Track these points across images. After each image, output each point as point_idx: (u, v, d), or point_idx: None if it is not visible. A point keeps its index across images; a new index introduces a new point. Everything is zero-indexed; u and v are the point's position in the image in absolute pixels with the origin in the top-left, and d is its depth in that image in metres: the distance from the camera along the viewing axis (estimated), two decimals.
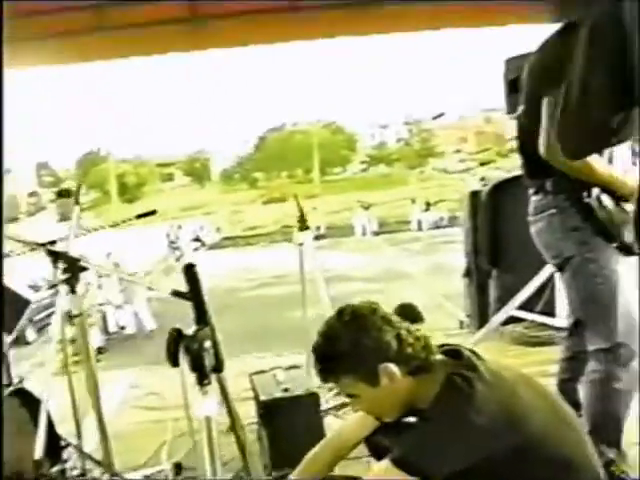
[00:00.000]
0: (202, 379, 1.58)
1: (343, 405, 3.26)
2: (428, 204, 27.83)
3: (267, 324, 9.70)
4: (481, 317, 5.58)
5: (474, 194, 5.86)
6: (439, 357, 1.85)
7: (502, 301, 5.08)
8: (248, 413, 3.06)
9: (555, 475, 1.76)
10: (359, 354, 1.77)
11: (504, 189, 5.35)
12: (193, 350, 1.56)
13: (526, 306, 4.43)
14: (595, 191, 2.43)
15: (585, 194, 2.43)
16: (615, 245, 2.47)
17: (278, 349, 5.48)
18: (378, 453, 2.06)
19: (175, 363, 1.61)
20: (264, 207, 35.54)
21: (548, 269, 4.37)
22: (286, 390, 2.90)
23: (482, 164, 43.77)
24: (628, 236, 2.46)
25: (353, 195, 26.40)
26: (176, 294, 1.91)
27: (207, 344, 1.57)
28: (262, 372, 3.15)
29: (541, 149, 2.38)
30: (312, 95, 61.48)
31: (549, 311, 4.49)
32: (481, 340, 4.36)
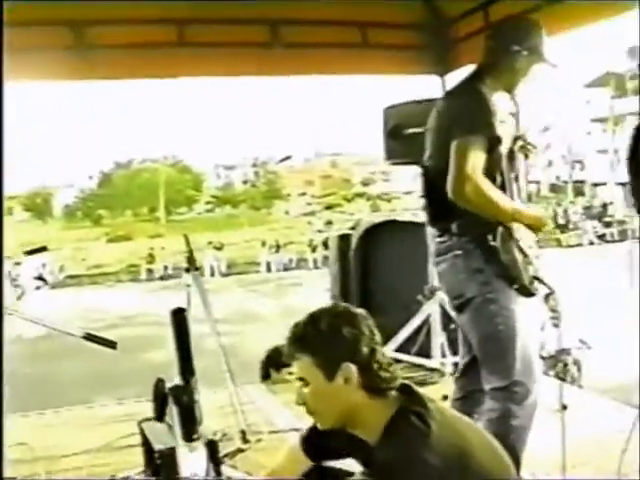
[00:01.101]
0: (191, 434, 1.42)
1: (237, 451, 3.13)
2: (278, 246, 28.02)
3: (121, 367, 9.27)
4: None
5: (342, 237, 5.96)
6: (393, 392, 1.80)
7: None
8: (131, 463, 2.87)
9: None
10: (331, 340, 1.73)
11: (374, 233, 5.46)
12: (184, 402, 1.40)
13: (402, 348, 4.49)
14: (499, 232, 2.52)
15: (490, 237, 2.51)
16: (515, 287, 2.56)
17: (133, 394, 5.18)
18: None
19: (161, 417, 1.44)
20: (109, 245, 34.41)
21: (425, 311, 4.49)
22: None
23: (327, 207, 44.93)
24: (526, 278, 2.57)
25: (200, 235, 26.06)
26: (89, 338, 1.74)
27: (197, 396, 1.43)
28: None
29: (449, 191, 2.46)
30: (159, 132, 60.52)
31: (424, 353, 4.57)
32: None
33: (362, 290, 5.54)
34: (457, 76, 4.49)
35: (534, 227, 2.64)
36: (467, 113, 2.53)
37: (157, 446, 2.35)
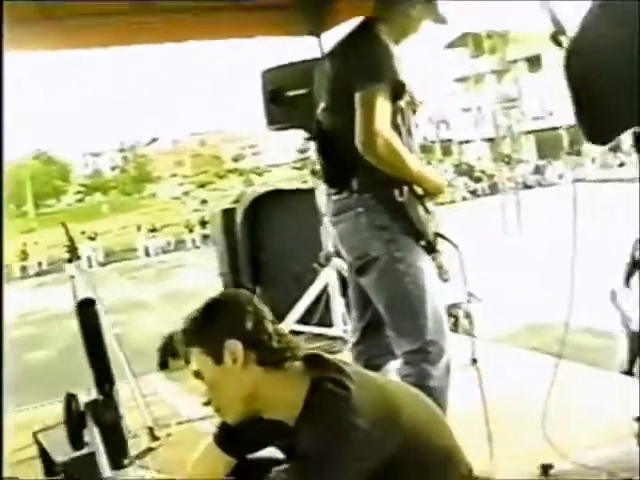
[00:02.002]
0: (121, 459, 1.18)
1: (147, 450, 2.93)
2: (154, 229, 27.47)
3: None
4: None
5: (226, 212, 5.79)
6: (298, 363, 1.71)
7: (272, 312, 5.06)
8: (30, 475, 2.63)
9: (437, 469, 1.69)
10: (212, 325, 1.71)
11: (261, 205, 5.35)
12: (107, 421, 1.16)
13: (303, 319, 4.40)
14: (406, 189, 2.43)
15: (397, 193, 2.42)
16: (422, 244, 2.48)
17: (30, 399, 4.83)
18: None
19: (79, 444, 1.19)
20: None
21: (322, 279, 4.40)
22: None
23: (200, 186, 44.56)
24: (431, 235, 2.51)
25: (72, 226, 25.05)
26: None
27: (121, 410, 1.19)
28: (48, 428, 2.72)
29: (359, 146, 2.35)
30: (20, 125, 57.69)
31: (326, 322, 4.50)
32: None
33: (252, 263, 5.41)
34: (333, 35, 4.40)
35: (430, 192, 2.55)
36: (368, 60, 2.41)
37: (58, 458, 2.13)
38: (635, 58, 1.57)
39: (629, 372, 4.72)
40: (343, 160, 2.47)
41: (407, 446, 1.62)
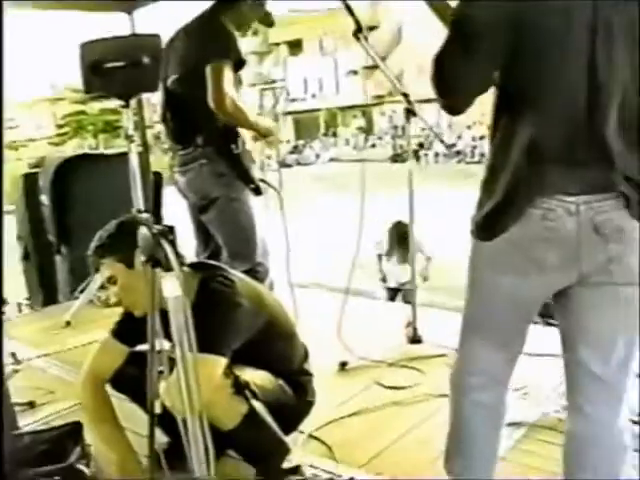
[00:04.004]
0: None
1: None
2: None
3: None
4: (47, 295, 5.78)
5: (27, 177, 5.95)
6: (186, 268, 2.25)
7: (75, 273, 5.38)
8: None
9: (288, 345, 2.41)
10: (125, 237, 2.09)
11: (67, 169, 5.57)
12: None
13: None
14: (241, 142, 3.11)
15: (233, 146, 3.08)
16: (251, 187, 3.18)
17: None
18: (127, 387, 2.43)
19: None
20: None
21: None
22: None
23: None
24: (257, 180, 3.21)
25: None
26: None
27: None
28: None
29: (211, 105, 2.97)
30: None
31: None
32: (82, 308, 4.63)
33: (60, 227, 5.62)
34: (143, 13, 4.88)
35: (265, 134, 3.24)
36: (218, 41, 3.05)
37: None
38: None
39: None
40: (190, 121, 3.09)
41: (272, 318, 2.34)
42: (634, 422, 2.29)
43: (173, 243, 1.62)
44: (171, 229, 1.64)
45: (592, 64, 1.58)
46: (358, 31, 2.91)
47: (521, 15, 1.57)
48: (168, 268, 1.62)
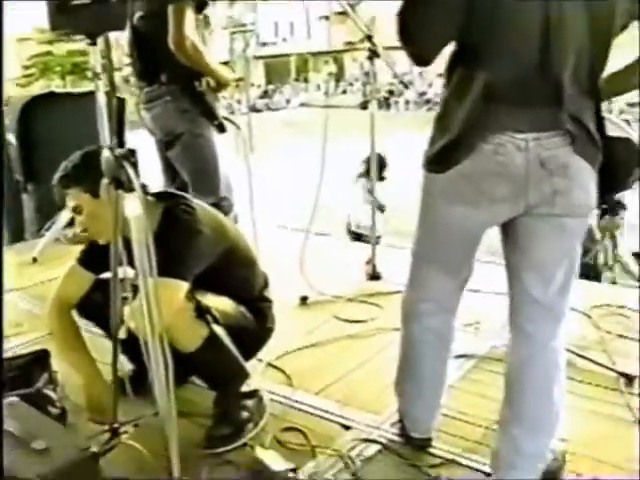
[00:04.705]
0: None
1: None
2: None
3: None
4: (14, 233, 5.79)
5: None
6: (151, 197, 2.32)
7: (42, 211, 5.40)
8: None
9: (249, 272, 2.51)
10: (90, 167, 2.10)
11: (32, 107, 5.53)
12: None
13: None
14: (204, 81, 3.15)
15: (197, 83, 3.12)
16: (215, 123, 3.23)
17: None
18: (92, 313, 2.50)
19: None
20: None
21: None
22: None
23: None
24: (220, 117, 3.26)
25: None
26: None
27: None
28: None
29: (172, 46, 2.99)
30: None
31: None
32: (48, 245, 4.68)
33: (26, 165, 5.60)
34: None
35: (222, 83, 3.27)
36: None
37: None
38: None
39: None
40: (154, 59, 3.12)
41: (233, 245, 2.43)
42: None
43: (135, 165, 1.69)
44: (132, 152, 1.70)
45: (547, 6, 1.67)
46: None
47: None
48: (130, 189, 1.69)
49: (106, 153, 1.72)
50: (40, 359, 2.65)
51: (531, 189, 1.80)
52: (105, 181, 1.77)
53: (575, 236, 1.90)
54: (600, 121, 1.82)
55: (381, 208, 6.65)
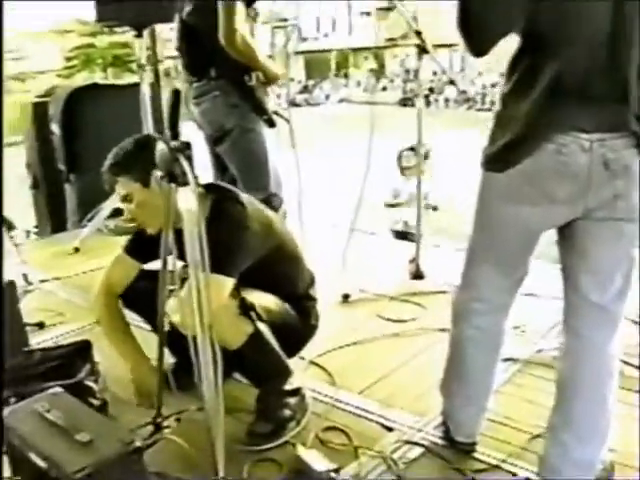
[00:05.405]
0: None
1: None
2: None
3: None
4: (56, 224, 5.85)
5: (37, 105, 5.96)
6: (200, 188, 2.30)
7: (84, 202, 5.44)
8: None
9: (295, 269, 2.49)
10: (140, 157, 2.16)
11: (79, 97, 5.58)
12: None
13: None
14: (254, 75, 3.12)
15: (247, 78, 3.09)
16: (265, 118, 3.20)
17: None
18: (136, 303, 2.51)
19: None
20: None
21: None
22: None
23: None
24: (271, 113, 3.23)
25: None
26: None
27: None
28: None
29: (223, 41, 2.97)
30: None
31: None
32: (90, 235, 4.71)
33: (70, 155, 5.66)
34: None
35: (271, 78, 3.24)
36: None
37: None
38: None
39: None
40: (203, 53, 3.10)
41: (280, 242, 2.40)
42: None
43: (190, 158, 1.67)
44: (188, 145, 1.68)
45: (617, 3, 1.62)
46: None
47: None
48: (184, 183, 1.67)
49: (161, 145, 1.70)
50: (82, 350, 2.66)
51: (592, 191, 1.74)
52: (158, 173, 1.76)
53: (633, 240, 1.84)
54: None
55: (434, 208, 6.53)
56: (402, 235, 6.08)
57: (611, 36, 1.64)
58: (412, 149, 5.96)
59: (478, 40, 1.73)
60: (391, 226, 6.58)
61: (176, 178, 1.69)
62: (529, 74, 1.73)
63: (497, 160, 1.83)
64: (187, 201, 1.70)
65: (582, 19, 1.64)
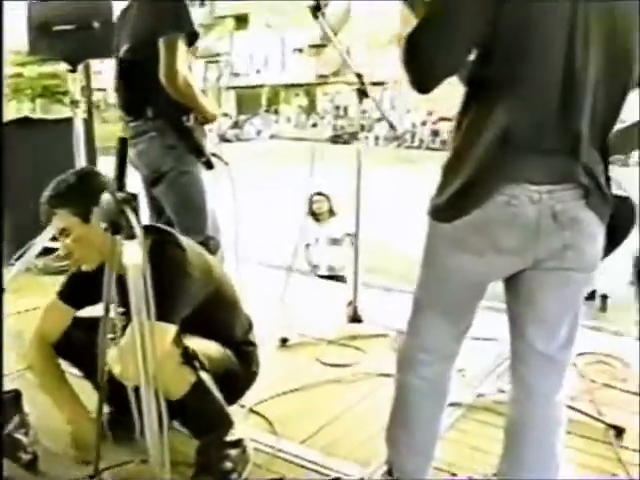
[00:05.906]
0: None
1: None
2: None
3: None
4: None
5: None
6: None
7: (13, 240, 5.25)
8: None
9: (234, 315, 2.43)
10: (81, 191, 2.11)
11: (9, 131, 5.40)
12: None
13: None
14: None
15: (185, 118, 3.04)
16: (202, 160, 3.15)
17: None
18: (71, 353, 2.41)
19: None
20: None
21: None
22: None
23: None
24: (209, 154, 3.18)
25: None
26: None
27: None
28: None
29: (163, 81, 2.91)
30: None
31: None
32: (18, 274, 4.53)
33: None
34: None
35: (208, 118, 3.20)
36: (170, 12, 2.96)
37: None
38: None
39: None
40: (140, 92, 3.04)
41: (219, 287, 2.34)
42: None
43: (136, 211, 1.61)
44: (134, 196, 1.62)
45: (570, 55, 1.63)
46: (317, 9, 2.91)
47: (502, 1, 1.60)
48: (129, 236, 1.61)
49: (106, 196, 1.63)
50: (12, 400, 2.51)
51: (541, 242, 1.74)
52: (103, 224, 1.69)
53: (581, 289, 1.86)
54: (608, 177, 1.78)
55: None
56: (331, 279, 6.04)
57: (562, 87, 1.64)
58: (320, 194, 5.98)
59: (424, 77, 1.69)
60: (315, 271, 6.50)
61: (121, 230, 1.61)
62: (480, 122, 1.71)
63: (445, 210, 1.80)
64: (133, 255, 1.63)
65: (533, 70, 1.64)
